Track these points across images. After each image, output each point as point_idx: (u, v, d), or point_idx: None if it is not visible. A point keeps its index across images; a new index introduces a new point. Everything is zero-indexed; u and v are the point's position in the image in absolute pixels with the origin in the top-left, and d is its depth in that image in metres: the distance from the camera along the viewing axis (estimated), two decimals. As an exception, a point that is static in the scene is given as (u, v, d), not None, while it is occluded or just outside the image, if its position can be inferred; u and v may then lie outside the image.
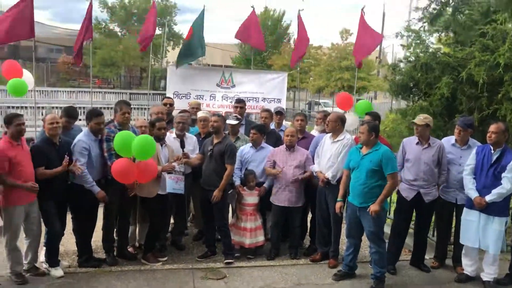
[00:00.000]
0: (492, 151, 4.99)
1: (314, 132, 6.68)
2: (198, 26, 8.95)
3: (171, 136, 5.92)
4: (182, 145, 5.85)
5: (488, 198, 4.89)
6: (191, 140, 6.07)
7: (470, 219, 5.11)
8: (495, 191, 4.87)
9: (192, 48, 8.89)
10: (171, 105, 6.91)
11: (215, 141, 5.65)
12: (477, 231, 5.04)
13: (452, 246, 5.81)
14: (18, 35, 7.80)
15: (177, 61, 8.81)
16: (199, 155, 5.81)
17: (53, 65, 41.91)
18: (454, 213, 5.61)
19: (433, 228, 6.19)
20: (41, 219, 5.15)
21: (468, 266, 5.33)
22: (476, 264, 5.30)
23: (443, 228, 5.77)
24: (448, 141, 5.66)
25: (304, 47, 9.80)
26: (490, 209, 4.95)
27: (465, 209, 5.19)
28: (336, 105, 8.22)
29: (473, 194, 5.03)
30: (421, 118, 5.48)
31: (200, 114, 6.49)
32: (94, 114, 5.32)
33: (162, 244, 6.01)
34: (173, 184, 5.74)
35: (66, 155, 5.02)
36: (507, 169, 4.85)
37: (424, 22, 7.39)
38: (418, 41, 7.75)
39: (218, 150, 5.58)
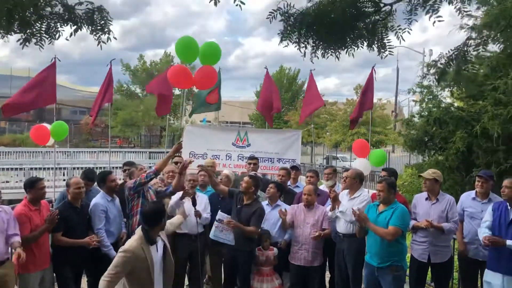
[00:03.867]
0: (509, 208, 4.72)
1: (323, 187, 6.64)
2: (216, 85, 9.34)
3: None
4: (194, 204, 5.85)
5: (508, 242, 4.51)
6: (202, 199, 6.05)
7: (492, 282, 4.71)
8: None
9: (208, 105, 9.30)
10: None
11: (245, 201, 5.65)
12: None
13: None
14: (43, 102, 8.13)
15: (193, 109, 9.25)
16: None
17: (76, 127, 43.21)
18: (480, 270, 5.38)
19: (457, 286, 5.96)
20: (56, 283, 5.13)
21: None
22: None
23: (468, 287, 5.54)
24: (468, 196, 5.57)
25: (317, 103, 9.68)
26: None
27: (486, 270, 4.83)
28: (353, 152, 8.18)
29: (484, 233, 4.69)
30: (430, 173, 5.43)
31: (224, 171, 6.58)
32: (105, 174, 5.49)
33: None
34: (217, 231, 5.56)
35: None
36: None
37: (434, 77, 7.52)
38: (431, 97, 7.82)
39: (247, 212, 5.57)
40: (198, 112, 9.55)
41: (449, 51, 6.22)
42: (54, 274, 5.11)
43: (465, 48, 5.81)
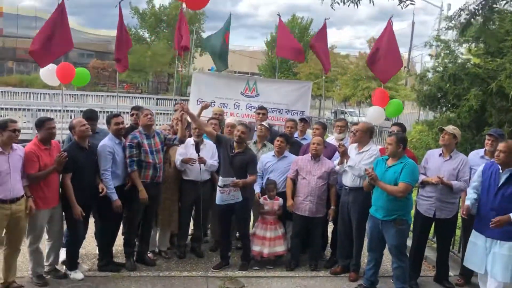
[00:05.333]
0: (501, 171, 4.52)
1: (331, 139, 6.58)
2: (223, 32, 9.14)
3: (189, 142, 5.91)
4: (197, 150, 5.82)
5: None
6: (209, 146, 6.00)
7: (476, 242, 4.72)
8: None
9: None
10: None
11: (236, 150, 5.57)
12: (483, 256, 4.59)
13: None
14: (60, 50, 7.79)
15: (218, 67, 9.07)
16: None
17: (84, 70, 42.82)
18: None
19: (459, 244, 6.01)
20: (64, 221, 5.21)
21: None
22: None
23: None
24: (477, 154, 5.52)
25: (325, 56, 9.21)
26: (496, 233, 4.46)
27: (473, 231, 4.79)
28: (372, 100, 7.93)
29: (469, 198, 4.74)
30: (451, 128, 5.37)
31: (228, 120, 6.54)
32: (111, 117, 5.47)
33: (181, 251, 6.03)
34: (224, 196, 5.45)
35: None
36: None
37: (454, 32, 7.22)
38: (447, 51, 7.57)
39: (241, 160, 5.52)
40: (225, 66, 9.37)
41: (476, 0, 5.80)
42: (63, 213, 5.18)
43: (494, -2, 5.42)
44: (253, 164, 5.59)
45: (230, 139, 5.71)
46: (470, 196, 4.80)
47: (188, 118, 5.82)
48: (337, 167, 5.59)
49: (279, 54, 9.97)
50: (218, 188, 5.47)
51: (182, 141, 5.74)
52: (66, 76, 7.87)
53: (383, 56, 7.94)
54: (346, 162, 5.43)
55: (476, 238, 4.73)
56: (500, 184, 4.50)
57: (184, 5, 9.08)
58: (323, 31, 8.79)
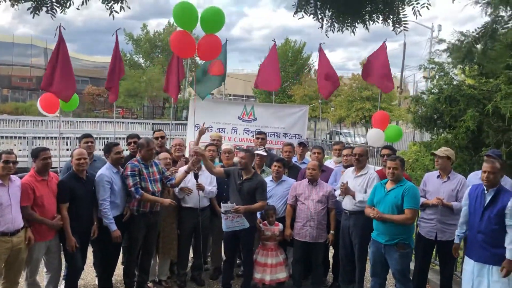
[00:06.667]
0: (486, 192, 4.45)
1: (330, 162, 6.57)
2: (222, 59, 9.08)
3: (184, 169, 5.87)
4: (196, 177, 5.79)
5: (508, 254, 4.17)
6: (207, 173, 5.91)
7: (465, 267, 4.66)
8: (509, 245, 4.19)
9: (212, 79, 8.97)
10: (163, 137, 6.76)
11: (244, 176, 5.56)
12: (469, 281, 4.49)
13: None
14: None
15: (200, 93, 8.91)
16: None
17: (79, 96, 42.98)
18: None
19: (461, 266, 5.96)
20: (61, 252, 5.13)
21: None
22: None
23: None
24: (476, 175, 5.49)
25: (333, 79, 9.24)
26: (484, 257, 4.36)
27: (465, 257, 4.70)
28: (372, 122, 7.84)
29: (456, 239, 4.81)
30: (442, 150, 5.39)
31: (224, 146, 6.52)
32: (111, 146, 5.42)
33: (182, 280, 5.94)
34: (228, 223, 5.44)
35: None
36: (508, 214, 4.20)
37: (449, 56, 7.30)
38: (442, 73, 7.65)
39: (249, 187, 5.50)
40: (206, 93, 9.18)
41: (476, 29, 5.82)
42: (61, 244, 5.10)
43: (494, 26, 5.44)
44: (261, 190, 5.54)
45: (237, 168, 5.69)
46: (459, 230, 4.80)
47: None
48: (339, 198, 5.58)
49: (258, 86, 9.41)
50: (221, 215, 5.45)
51: (174, 187, 5.74)
52: (50, 106, 7.79)
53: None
54: (355, 199, 5.41)
55: (466, 264, 4.65)
56: (485, 204, 4.42)
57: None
58: (323, 57, 8.78)
